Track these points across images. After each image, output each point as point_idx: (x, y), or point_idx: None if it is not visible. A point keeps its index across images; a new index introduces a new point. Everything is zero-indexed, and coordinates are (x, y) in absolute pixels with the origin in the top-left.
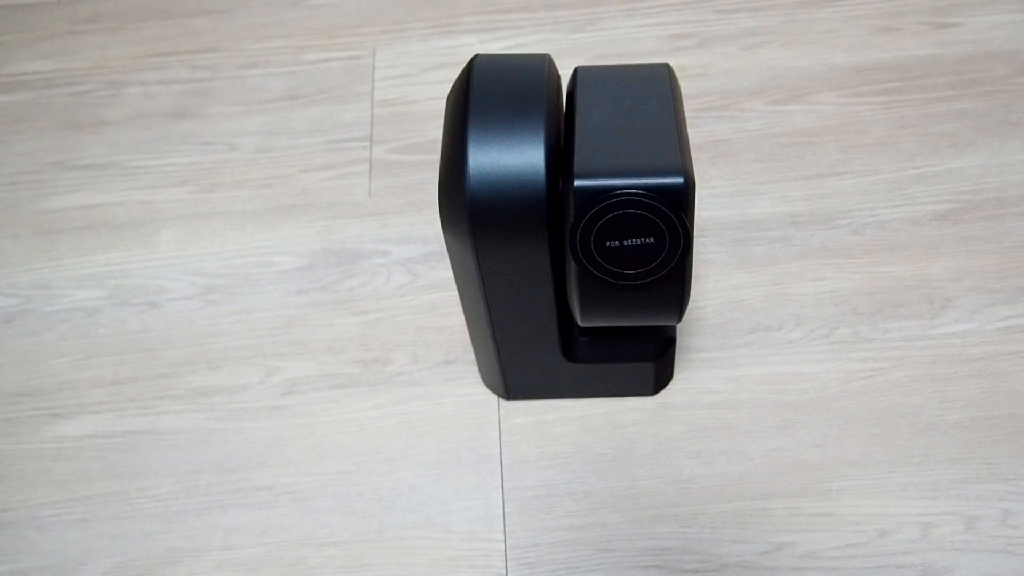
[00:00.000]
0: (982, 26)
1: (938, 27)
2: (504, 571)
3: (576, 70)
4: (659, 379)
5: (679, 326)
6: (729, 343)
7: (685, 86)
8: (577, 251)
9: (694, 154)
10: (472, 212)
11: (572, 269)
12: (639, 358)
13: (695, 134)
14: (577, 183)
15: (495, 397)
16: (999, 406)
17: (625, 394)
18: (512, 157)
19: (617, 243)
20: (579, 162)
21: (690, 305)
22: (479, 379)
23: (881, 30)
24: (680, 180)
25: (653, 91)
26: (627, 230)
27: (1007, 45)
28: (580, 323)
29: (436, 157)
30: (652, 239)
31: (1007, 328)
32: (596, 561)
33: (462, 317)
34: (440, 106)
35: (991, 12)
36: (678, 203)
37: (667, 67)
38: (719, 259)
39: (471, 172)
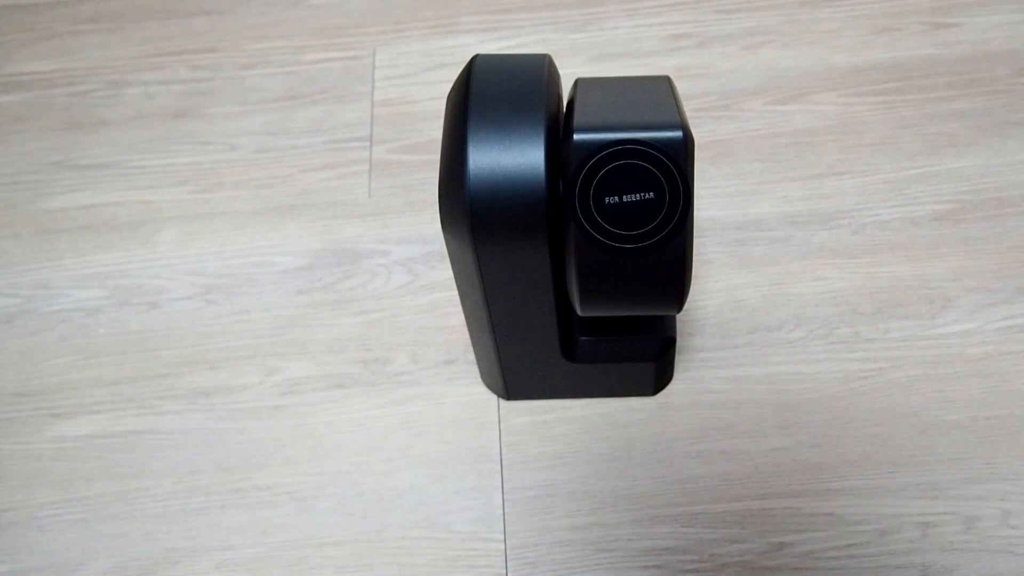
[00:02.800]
0: (982, 26)
1: (938, 27)
2: (504, 571)
3: (577, 81)
4: (659, 379)
5: (679, 326)
6: (729, 343)
7: (685, 86)
8: (576, 209)
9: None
10: (472, 212)
11: (571, 237)
12: (639, 358)
13: (695, 134)
14: (576, 136)
15: (495, 397)
16: (999, 406)
17: (625, 394)
18: (512, 157)
19: (616, 199)
20: (578, 119)
21: (690, 305)
22: (479, 379)
23: (881, 30)
24: (679, 133)
25: (652, 89)
26: (626, 184)
27: (1007, 45)
28: (579, 311)
29: (436, 157)
30: (652, 194)
31: (1007, 328)
32: (596, 561)
33: (462, 317)
34: (440, 106)
35: (991, 12)
36: (677, 156)
37: (667, 78)
38: (719, 259)
39: (471, 172)
